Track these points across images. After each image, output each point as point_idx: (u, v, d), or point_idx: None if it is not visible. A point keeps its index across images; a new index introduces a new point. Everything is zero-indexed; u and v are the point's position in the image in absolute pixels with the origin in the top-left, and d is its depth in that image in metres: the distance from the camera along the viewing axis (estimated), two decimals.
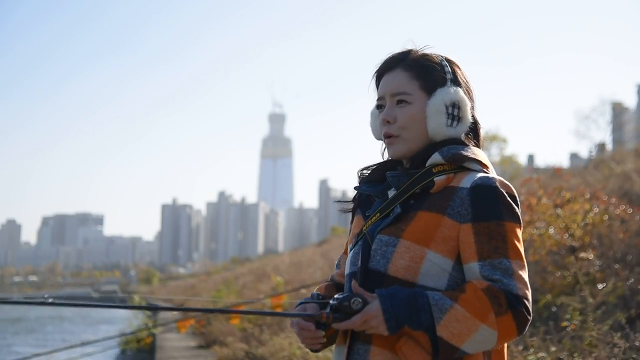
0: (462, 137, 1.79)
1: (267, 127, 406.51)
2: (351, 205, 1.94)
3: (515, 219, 1.68)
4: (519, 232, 1.69)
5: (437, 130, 1.75)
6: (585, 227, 6.97)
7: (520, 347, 5.20)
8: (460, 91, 1.77)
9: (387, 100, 1.80)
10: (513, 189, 1.73)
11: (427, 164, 1.74)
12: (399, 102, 1.78)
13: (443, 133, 1.76)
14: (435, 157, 1.73)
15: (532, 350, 5.07)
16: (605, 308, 5.25)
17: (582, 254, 6.77)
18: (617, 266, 6.41)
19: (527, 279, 1.64)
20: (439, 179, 1.71)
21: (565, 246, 6.97)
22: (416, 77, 1.78)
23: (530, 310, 1.61)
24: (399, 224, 1.70)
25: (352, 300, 1.59)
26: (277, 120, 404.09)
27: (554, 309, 6.32)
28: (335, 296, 1.65)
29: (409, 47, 1.84)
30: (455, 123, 1.76)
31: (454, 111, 1.76)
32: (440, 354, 1.58)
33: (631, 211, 7.54)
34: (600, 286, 5.90)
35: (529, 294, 1.62)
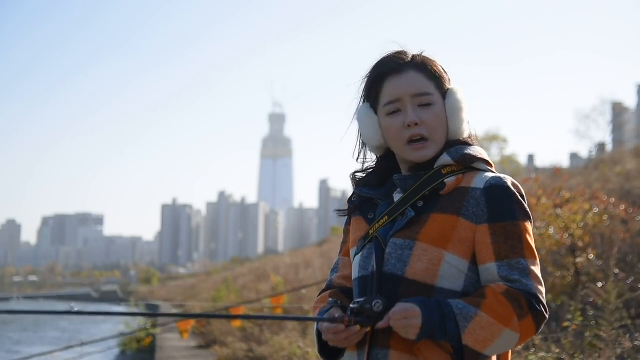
0: (467, 137, 1.80)
1: (267, 127, 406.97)
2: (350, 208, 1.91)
3: (528, 217, 1.70)
4: (531, 230, 1.70)
5: (458, 130, 1.76)
6: (585, 227, 6.97)
7: (522, 347, 5.20)
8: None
9: (407, 102, 1.74)
10: (521, 188, 1.75)
11: (435, 165, 1.73)
12: (422, 104, 1.74)
13: (462, 133, 1.77)
14: (444, 158, 1.72)
15: (533, 350, 5.07)
16: (605, 308, 5.25)
17: (582, 254, 6.78)
18: (617, 265, 6.41)
19: (541, 277, 1.66)
20: (449, 181, 1.70)
21: (565, 246, 6.97)
22: (430, 78, 1.77)
23: (547, 308, 1.63)
24: (413, 227, 1.68)
25: (373, 303, 1.59)
26: (277, 120, 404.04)
27: (554, 308, 6.32)
28: (356, 299, 1.64)
29: (398, 49, 1.82)
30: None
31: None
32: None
33: (631, 211, 7.54)
34: (600, 286, 5.90)
35: (544, 291, 1.65)
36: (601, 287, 5.72)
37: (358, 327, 1.60)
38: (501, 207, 1.66)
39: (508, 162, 29.89)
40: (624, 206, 7.53)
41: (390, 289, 1.66)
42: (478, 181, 1.70)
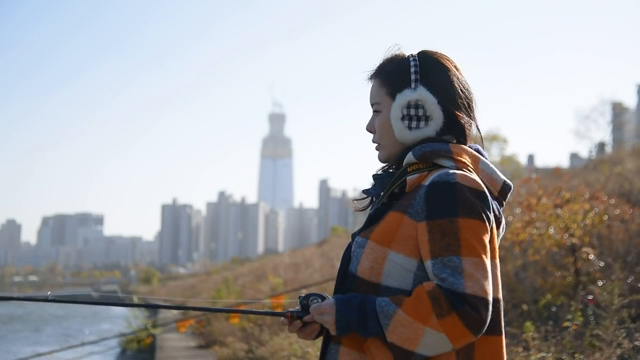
0: (436, 134, 1.76)
1: (267, 127, 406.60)
2: (363, 205, 1.96)
3: (474, 214, 1.62)
4: (479, 228, 1.62)
5: (401, 135, 1.77)
6: (585, 227, 6.98)
7: (521, 348, 5.20)
8: (422, 90, 1.74)
9: (371, 110, 1.88)
10: (480, 184, 1.68)
11: (403, 164, 1.77)
12: (376, 111, 1.85)
13: (407, 136, 1.76)
14: (409, 157, 1.75)
15: (533, 350, 5.07)
16: (605, 308, 5.26)
17: (582, 254, 6.78)
18: (617, 266, 6.41)
19: (482, 277, 1.57)
20: (410, 178, 1.71)
21: (565, 246, 6.97)
22: (384, 84, 1.82)
23: (481, 308, 1.55)
24: (371, 225, 1.74)
25: (310, 299, 1.74)
26: (277, 120, 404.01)
27: (553, 309, 6.33)
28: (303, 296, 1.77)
29: (392, 53, 1.87)
30: (422, 123, 1.75)
31: (418, 112, 1.74)
32: (396, 358, 1.61)
33: (631, 211, 7.54)
34: (600, 285, 5.91)
35: (483, 291, 1.56)
36: (601, 287, 5.73)
37: (299, 321, 1.75)
38: (440, 203, 1.63)
39: (508, 162, 29.89)
40: (623, 206, 7.54)
41: (348, 286, 1.73)
42: (430, 178, 1.68)
